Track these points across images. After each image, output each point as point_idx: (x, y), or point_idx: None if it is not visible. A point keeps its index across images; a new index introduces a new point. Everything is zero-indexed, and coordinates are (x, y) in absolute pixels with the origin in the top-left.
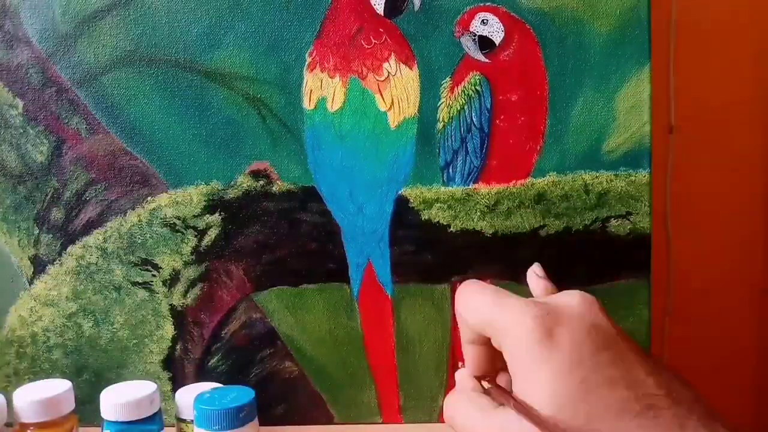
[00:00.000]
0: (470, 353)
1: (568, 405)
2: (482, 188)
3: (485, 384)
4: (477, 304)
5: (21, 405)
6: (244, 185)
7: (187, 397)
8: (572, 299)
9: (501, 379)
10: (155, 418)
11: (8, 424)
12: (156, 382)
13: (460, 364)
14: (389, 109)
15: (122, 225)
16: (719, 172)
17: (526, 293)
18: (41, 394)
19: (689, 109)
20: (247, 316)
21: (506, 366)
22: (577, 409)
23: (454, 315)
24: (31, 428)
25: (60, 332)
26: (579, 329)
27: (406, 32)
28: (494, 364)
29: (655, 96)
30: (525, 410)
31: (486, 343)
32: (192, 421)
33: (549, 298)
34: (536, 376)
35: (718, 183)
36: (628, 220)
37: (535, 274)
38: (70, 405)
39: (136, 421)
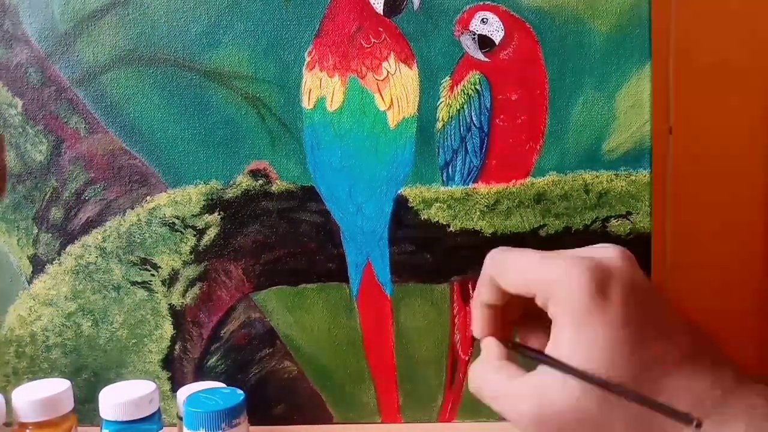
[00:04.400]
0: (481, 316)
1: (621, 359)
2: (482, 188)
3: (516, 348)
4: (522, 263)
5: (20, 404)
6: (243, 185)
7: None
8: (611, 253)
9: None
10: (154, 418)
11: (7, 424)
12: (155, 382)
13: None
14: (388, 108)
15: (121, 224)
16: (719, 172)
17: None
18: (40, 394)
19: (689, 109)
20: (246, 315)
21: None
22: (629, 363)
23: (454, 315)
24: (30, 427)
25: (59, 332)
26: (626, 284)
27: (405, 31)
28: (503, 330)
29: (654, 96)
30: (570, 368)
31: (500, 307)
32: None
33: (587, 250)
34: (589, 331)
35: (717, 183)
36: (629, 219)
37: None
38: (69, 404)
39: (135, 420)
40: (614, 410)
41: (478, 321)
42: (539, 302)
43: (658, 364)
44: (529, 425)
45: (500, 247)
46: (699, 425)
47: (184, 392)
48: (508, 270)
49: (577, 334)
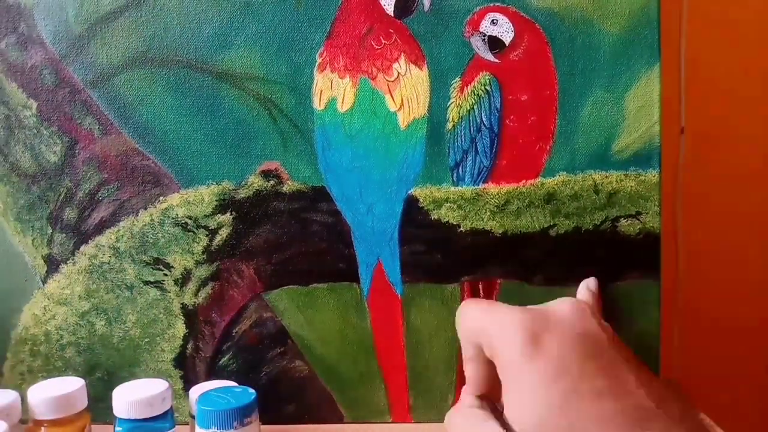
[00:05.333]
0: (469, 371)
1: (551, 416)
2: (492, 188)
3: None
4: (470, 314)
5: (35, 402)
6: (255, 185)
7: None
8: (563, 306)
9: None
10: (167, 416)
11: (23, 421)
12: (168, 381)
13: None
14: (399, 109)
15: (134, 224)
16: (730, 172)
17: (536, 294)
18: (55, 392)
19: (700, 109)
20: (258, 315)
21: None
22: (560, 421)
23: None
24: (45, 425)
25: (73, 331)
26: (566, 337)
27: (415, 32)
28: (494, 383)
29: (665, 96)
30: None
31: (483, 359)
32: None
33: (542, 305)
34: (521, 385)
35: (728, 183)
36: (638, 219)
37: (587, 288)
38: (83, 402)
39: (147, 418)
40: None
41: (467, 378)
42: (487, 354)
43: (599, 426)
44: None
45: (467, 300)
46: None
47: (197, 391)
48: (464, 321)
49: (511, 390)
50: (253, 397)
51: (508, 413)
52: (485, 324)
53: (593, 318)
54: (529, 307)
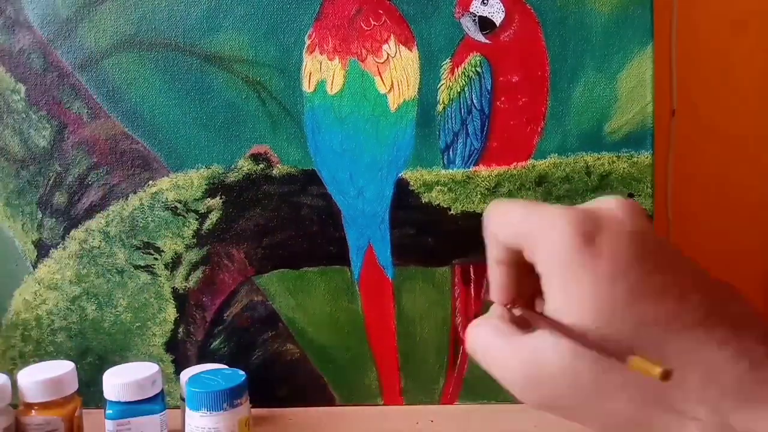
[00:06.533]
0: (497, 275)
1: (614, 317)
2: (483, 170)
3: (515, 310)
4: (509, 215)
5: (25, 385)
6: (245, 169)
7: None
8: (611, 203)
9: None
10: (157, 399)
11: (13, 406)
12: (158, 364)
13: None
14: (389, 91)
15: (124, 209)
16: (721, 154)
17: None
18: (45, 374)
19: (692, 91)
20: (249, 298)
21: (535, 289)
22: (624, 322)
23: (455, 297)
24: (35, 408)
25: (64, 315)
26: (621, 234)
27: (405, 13)
28: (521, 289)
29: (657, 78)
30: (565, 330)
31: (514, 263)
32: None
33: (585, 204)
34: (576, 287)
35: (721, 164)
36: None
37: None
38: (73, 385)
39: (138, 401)
40: (609, 375)
41: (492, 281)
42: (527, 257)
43: (662, 325)
44: (517, 383)
45: (498, 200)
46: (667, 376)
47: (188, 374)
48: (500, 222)
49: (565, 291)
50: (243, 378)
51: (559, 312)
52: (528, 225)
53: (643, 214)
54: (574, 207)
